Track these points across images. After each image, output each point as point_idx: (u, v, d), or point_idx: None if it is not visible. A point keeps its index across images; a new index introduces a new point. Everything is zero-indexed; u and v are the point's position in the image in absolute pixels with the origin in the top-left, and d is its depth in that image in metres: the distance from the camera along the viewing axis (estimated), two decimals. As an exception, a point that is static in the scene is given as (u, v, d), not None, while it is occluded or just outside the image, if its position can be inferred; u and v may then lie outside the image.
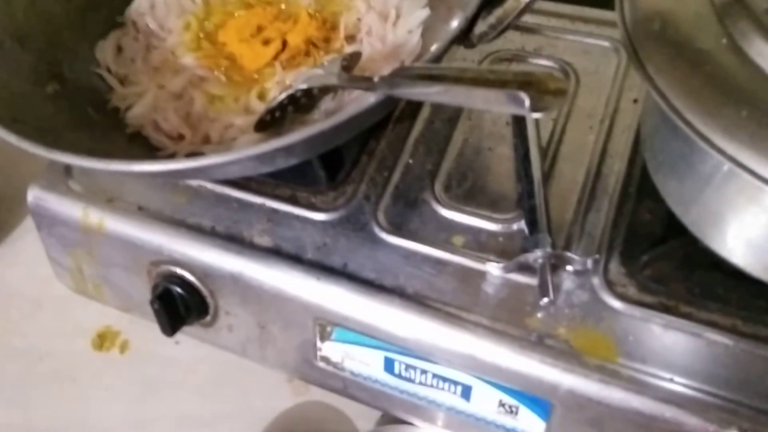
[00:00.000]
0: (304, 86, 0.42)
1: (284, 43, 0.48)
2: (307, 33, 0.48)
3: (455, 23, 0.44)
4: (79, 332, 0.57)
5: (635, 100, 0.48)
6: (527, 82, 0.28)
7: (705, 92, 0.30)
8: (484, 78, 0.30)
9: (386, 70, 0.45)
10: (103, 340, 0.57)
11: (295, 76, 0.46)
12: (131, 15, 0.51)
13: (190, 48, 0.49)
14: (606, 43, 0.51)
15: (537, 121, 0.46)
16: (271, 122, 0.43)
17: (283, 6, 0.51)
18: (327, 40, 0.49)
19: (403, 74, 0.34)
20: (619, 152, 0.45)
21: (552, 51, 0.52)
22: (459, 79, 0.31)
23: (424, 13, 0.48)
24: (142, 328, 0.51)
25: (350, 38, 0.49)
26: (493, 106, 0.35)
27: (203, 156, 0.37)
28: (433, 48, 0.40)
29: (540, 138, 0.46)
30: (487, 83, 0.29)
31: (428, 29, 0.47)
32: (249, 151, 0.34)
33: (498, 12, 0.39)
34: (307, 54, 0.48)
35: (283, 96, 0.42)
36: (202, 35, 0.50)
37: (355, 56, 0.44)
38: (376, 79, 0.36)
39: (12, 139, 0.35)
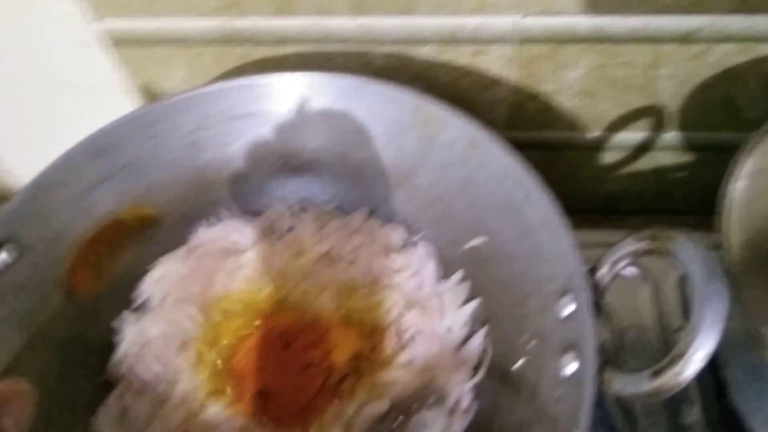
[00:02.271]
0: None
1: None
2: (353, 347, 0.42)
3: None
4: None
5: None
6: None
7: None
8: None
9: (458, 381, 0.40)
10: None
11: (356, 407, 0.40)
12: (117, 371, 0.42)
13: (212, 391, 0.41)
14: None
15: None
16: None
17: (297, 305, 0.44)
18: (374, 349, 0.43)
19: None
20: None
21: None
22: None
23: (472, 304, 0.43)
24: None
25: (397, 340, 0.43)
26: None
27: None
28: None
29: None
30: None
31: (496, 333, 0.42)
32: None
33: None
34: (356, 371, 0.42)
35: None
36: (219, 365, 0.42)
37: None
38: None
39: None
